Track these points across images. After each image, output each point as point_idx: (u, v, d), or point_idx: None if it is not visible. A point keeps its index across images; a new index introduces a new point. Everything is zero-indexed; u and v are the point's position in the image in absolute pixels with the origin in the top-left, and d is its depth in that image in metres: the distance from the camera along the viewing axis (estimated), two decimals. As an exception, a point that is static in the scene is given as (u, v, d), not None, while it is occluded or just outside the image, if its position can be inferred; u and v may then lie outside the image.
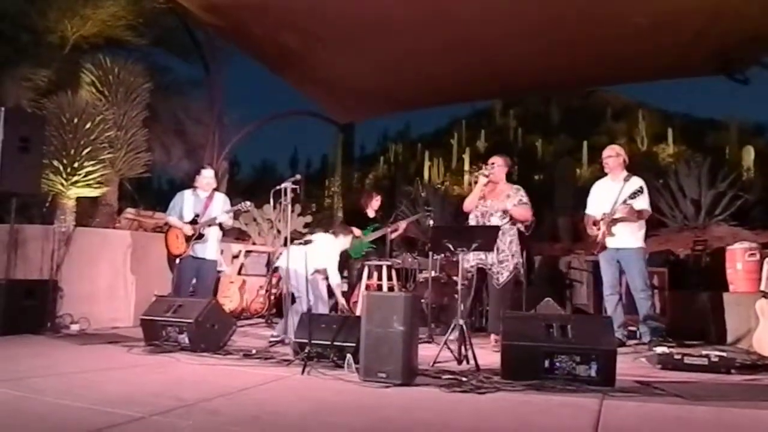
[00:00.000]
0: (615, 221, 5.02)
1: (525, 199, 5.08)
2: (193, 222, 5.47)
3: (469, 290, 4.96)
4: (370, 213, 6.62)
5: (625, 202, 4.92)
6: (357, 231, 6.36)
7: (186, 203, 5.59)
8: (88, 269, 5.93)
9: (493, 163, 5.16)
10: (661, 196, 8.72)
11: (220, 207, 5.64)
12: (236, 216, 6.44)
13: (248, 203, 5.61)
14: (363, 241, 6.34)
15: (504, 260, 4.98)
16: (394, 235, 6.56)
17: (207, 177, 5.69)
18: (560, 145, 17.94)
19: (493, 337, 4.92)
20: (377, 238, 6.40)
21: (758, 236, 7.26)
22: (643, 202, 5.02)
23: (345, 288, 6.93)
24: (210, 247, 5.55)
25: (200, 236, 5.46)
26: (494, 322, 4.90)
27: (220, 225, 5.64)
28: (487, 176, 5.05)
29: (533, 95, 17.17)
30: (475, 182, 5.34)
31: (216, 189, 5.92)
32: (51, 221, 6.16)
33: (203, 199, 5.62)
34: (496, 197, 5.11)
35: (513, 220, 5.08)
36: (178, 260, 5.43)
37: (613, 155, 5.25)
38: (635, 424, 2.53)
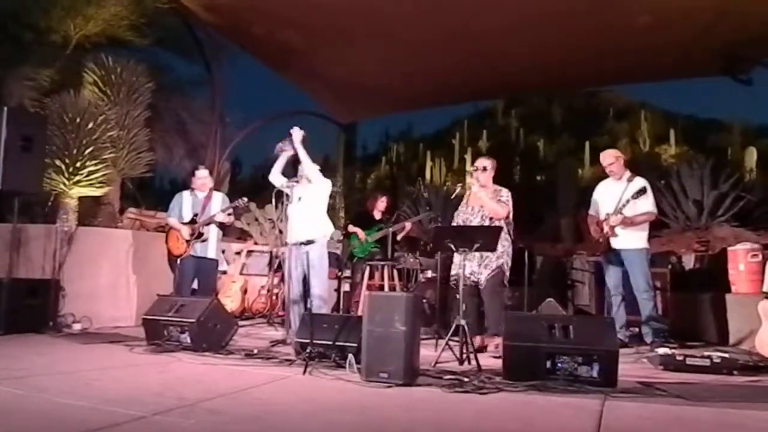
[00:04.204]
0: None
1: (504, 198, 4.90)
2: (192, 222, 5.49)
3: (472, 290, 4.86)
4: (377, 215, 6.67)
5: (627, 203, 4.90)
6: (361, 233, 6.40)
7: (185, 204, 5.60)
8: (90, 269, 5.94)
9: (485, 168, 4.98)
10: (664, 197, 8.68)
11: (219, 206, 5.64)
12: (237, 215, 6.45)
13: (245, 199, 5.61)
14: (368, 242, 6.38)
15: (487, 264, 4.79)
16: (401, 235, 6.60)
17: (201, 177, 5.70)
18: (562, 145, 17.88)
19: (488, 340, 4.82)
20: (381, 238, 6.41)
21: (761, 237, 7.23)
22: (647, 204, 5.01)
23: (347, 288, 6.96)
24: (210, 246, 5.56)
25: (200, 235, 5.47)
26: (491, 326, 4.77)
27: (221, 224, 5.64)
28: (480, 183, 4.91)
29: (535, 95, 17.14)
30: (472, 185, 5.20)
31: (218, 189, 5.91)
32: (53, 220, 6.17)
33: (201, 199, 5.63)
34: (480, 201, 4.92)
35: (492, 220, 4.86)
36: (179, 260, 5.44)
37: (614, 161, 5.21)
38: (637, 425, 2.53)
